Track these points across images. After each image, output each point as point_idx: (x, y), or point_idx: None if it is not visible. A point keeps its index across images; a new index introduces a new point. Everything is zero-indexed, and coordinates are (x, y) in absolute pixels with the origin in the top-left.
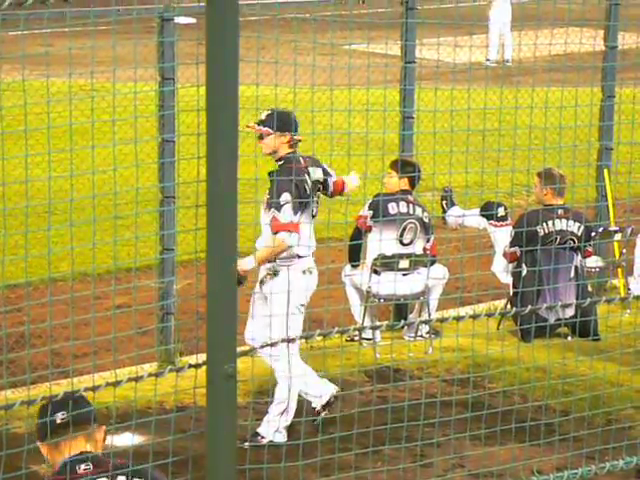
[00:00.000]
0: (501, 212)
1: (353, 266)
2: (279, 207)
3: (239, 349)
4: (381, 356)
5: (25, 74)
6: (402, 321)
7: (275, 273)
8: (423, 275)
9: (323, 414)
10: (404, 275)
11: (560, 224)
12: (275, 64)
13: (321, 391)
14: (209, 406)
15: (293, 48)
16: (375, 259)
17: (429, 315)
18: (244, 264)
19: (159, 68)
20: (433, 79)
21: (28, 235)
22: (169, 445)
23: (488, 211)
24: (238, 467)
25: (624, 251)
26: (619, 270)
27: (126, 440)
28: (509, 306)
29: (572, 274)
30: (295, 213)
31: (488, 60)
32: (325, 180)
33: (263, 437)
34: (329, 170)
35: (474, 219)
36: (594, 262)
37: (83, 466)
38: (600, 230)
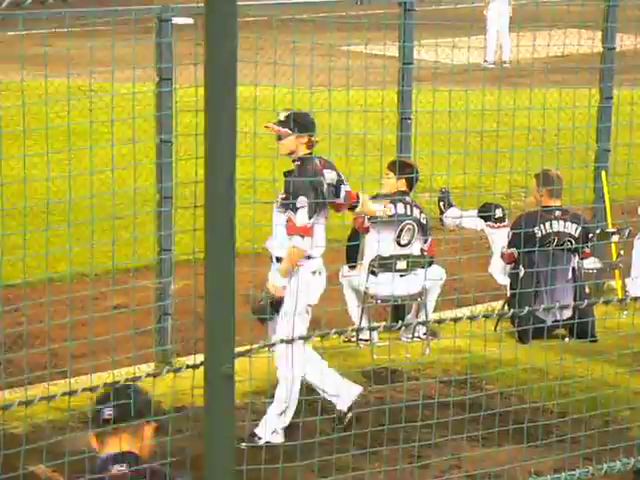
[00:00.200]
0: (499, 213)
1: (351, 267)
2: (295, 209)
3: (237, 349)
4: (378, 357)
5: (23, 74)
6: (399, 322)
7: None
8: (420, 276)
9: (349, 416)
10: (401, 276)
11: (558, 225)
12: (274, 65)
13: (340, 390)
14: (207, 406)
15: (291, 49)
16: (372, 260)
17: (426, 316)
18: (277, 282)
19: (157, 68)
20: (431, 80)
21: (26, 235)
22: (167, 445)
23: (486, 212)
24: (236, 468)
25: (622, 252)
26: (617, 272)
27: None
28: (506, 307)
29: (570, 275)
30: (310, 216)
31: (486, 61)
32: (337, 185)
33: (260, 438)
34: (343, 177)
35: (472, 220)
36: (592, 263)
37: (117, 466)
38: (598, 231)
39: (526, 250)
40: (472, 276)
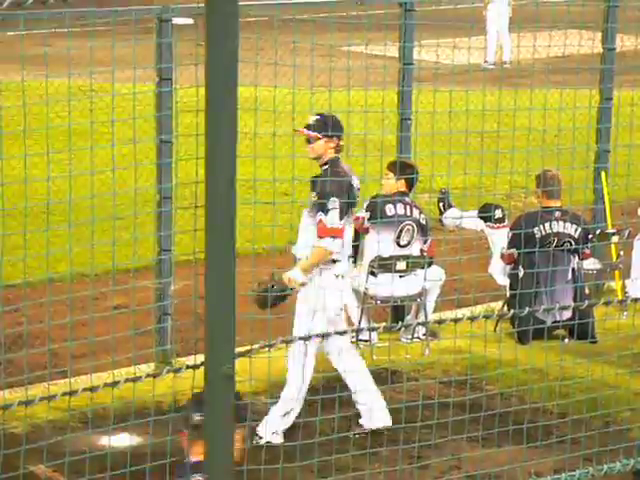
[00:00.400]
0: (498, 214)
1: None
2: (327, 210)
3: (237, 350)
4: (378, 358)
5: (24, 74)
6: (399, 323)
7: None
8: (420, 277)
9: (358, 431)
10: (401, 277)
11: (557, 226)
12: (274, 65)
13: (371, 409)
14: (207, 407)
15: (292, 49)
16: (372, 261)
17: (426, 317)
18: (297, 276)
19: (157, 69)
20: (431, 81)
21: (27, 235)
22: (167, 446)
23: (486, 213)
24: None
25: (622, 253)
26: (616, 272)
27: (124, 440)
28: (506, 308)
29: (569, 276)
30: (341, 217)
31: (486, 62)
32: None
33: (261, 437)
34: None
35: (471, 221)
36: (592, 264)
37: (198, 476)
38: (597, 232)
39: (526, 251)
40: (472, 276)
